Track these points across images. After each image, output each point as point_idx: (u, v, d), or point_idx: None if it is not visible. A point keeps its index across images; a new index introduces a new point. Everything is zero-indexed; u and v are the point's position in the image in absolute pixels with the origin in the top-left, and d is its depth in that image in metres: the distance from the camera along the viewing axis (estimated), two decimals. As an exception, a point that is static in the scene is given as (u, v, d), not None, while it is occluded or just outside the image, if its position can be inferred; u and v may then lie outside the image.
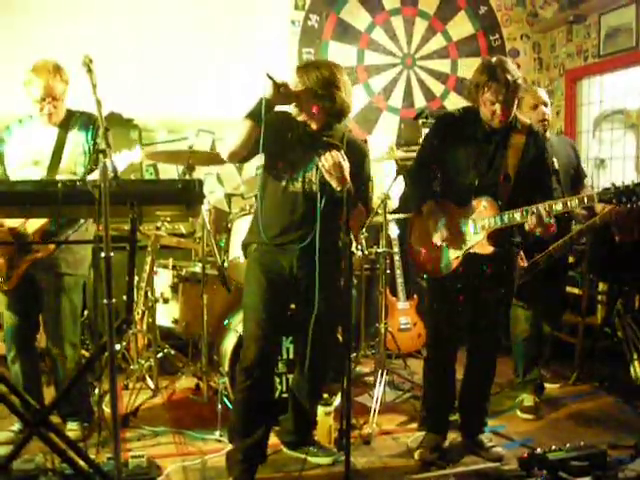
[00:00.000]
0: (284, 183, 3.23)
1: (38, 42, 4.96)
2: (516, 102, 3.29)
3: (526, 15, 6.53)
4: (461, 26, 6.36)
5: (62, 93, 3.53)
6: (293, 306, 3.51)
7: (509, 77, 3.17)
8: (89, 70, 2.60)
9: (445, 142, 3.45)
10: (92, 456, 2.94)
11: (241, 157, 3.23)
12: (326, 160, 3.03)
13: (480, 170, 3.36)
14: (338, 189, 3.03)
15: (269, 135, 3.13)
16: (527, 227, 3.19)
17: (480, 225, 3.35)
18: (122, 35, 5.37)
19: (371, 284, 5.40)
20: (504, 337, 3.97)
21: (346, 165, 3.03)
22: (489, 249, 3.35)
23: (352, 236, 3.00)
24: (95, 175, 3.36)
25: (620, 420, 4.07)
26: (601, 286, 5.12)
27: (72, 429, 3.71)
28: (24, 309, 3.66)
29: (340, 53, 6.04)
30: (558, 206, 3.15)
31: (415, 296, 5.32)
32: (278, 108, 3.21)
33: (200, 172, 4.74)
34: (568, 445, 3.22)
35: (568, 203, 3.16)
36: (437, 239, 3.41)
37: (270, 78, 3.04)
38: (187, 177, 4.36)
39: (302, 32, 5.97)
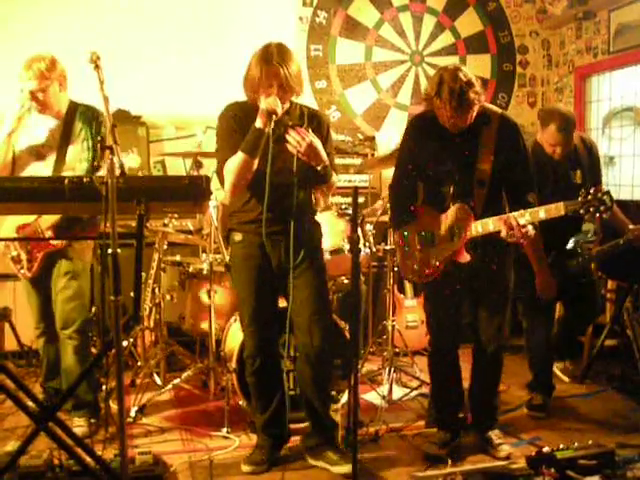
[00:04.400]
0: (259, 174, 3.17)
1: (44, 40, 4.93)
2: (471, 112, 3.19)
3: (535, 11, 6.50)
4: (470, 22, 6.33)
5: (50, 85, 3.54)
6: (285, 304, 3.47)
7: (453, 97, 3.10)
8: (96, 67, 2.60)
9: (417, 147, 3.47)
10: (99, 453, 2.94)
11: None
12: (298, 144, 3.09)
13: (453, 176, 3.35)
14: (319, 167, 3.15)
15: (238, 131, 3.19)
16: (502, 235, 3.18)
17: (456, 233, 3.35)
18: (130, 32, 5.36)
19: (379, 281, 5.39)
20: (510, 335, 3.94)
21: (317, 142, 3.14)
22: (466, 257, 3.35)
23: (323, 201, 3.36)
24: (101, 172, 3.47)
25: (629, 419, 4.04)
26: (610, 284, 5.09)
27: (79, 425, 3.72)
28: (47, 292, 3.80)
29: (348, 50, 6.04)
30: (525, 217, 3.12)
31: (423, 293, 5.30)
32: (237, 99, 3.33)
33: (208, 168, 4.74)
34: (576, 444, 3.21)
35: (537, 214, 3.12)
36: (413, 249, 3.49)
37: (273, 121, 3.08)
38: (194, 173, 4.38)
39: (310, 29, 5.95)
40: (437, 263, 3.43)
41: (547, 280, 3.93)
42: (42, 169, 3.61)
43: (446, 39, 6.29)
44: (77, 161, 3.61)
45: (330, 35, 6.01)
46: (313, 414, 3.51)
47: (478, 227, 3.28)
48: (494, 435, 3.62)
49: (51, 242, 3.65)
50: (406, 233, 3.55)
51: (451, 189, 3.36)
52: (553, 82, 6.50)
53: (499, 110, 3.45)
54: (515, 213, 3.16)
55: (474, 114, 3.23)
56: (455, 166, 3.35)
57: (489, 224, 3.25)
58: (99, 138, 3.57)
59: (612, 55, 5.78)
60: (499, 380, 3.70)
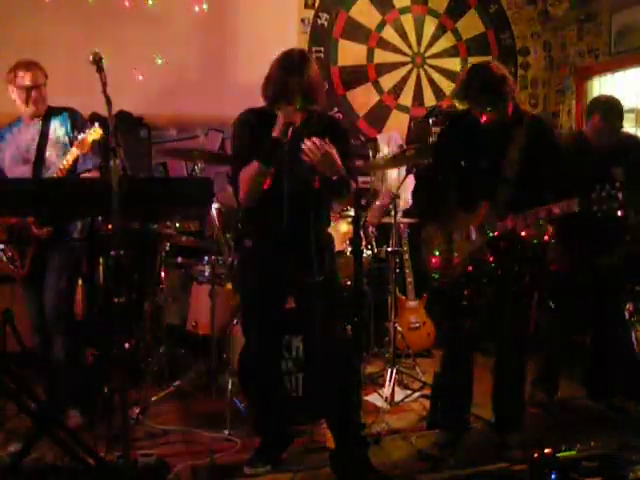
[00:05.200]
0: (272, 182, 3.10)
1: (45, 42, 4.97)
2: (505, 103, 3.22)
3: (537, 13, 6.51)
4: (471, 24, 6.35)
5: (43, 83, 3.73)
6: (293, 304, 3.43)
7: (479, 92, 3.17)
8: (98, 68, 2.60)
9: (449, 145, 3.48)
10: (102, 454, 2.94)
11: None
12: (313, 154, 2.97)
13: (482, 174, 3.35)
14: (334, 178, 3.02)
15: (253, 139, 3.10)
16: (520, 233, 3.19)
17: (481, 232, 3.35)
18: (131, 34, 5.37)
19: (381, 283, 5.38)
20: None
21: (333, 152, 3.00)
22: (488, 257, 3.34)
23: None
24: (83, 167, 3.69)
25: (631, 420, 4.04)
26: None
27: (72, 416, 3.80)
28: (41, 289, 3.81)
29: (350, 52, 6.05)
30: (540, 214, 3.13)
31: (425, 295, 5.31)
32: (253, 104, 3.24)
33: (210, 170, 4.76)
34: (579, 445, 3.20)
35: (552, 210, 3.11)
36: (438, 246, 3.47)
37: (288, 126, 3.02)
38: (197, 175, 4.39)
39: (312, 31, 5.96)
40: (459, 261, 3.43)
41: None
42: (26, 171, 3.73)
43: (448, 41, 6.30)
44: (56, 158, 3.72)
45: (332, 37, 6.02)
46: (337, 433, 3.36)
47: (497, 225, 3.28)
48: (512, 439, 3.57)
49: (34, 231, 3.65)
50: (432, 229, 3.55)
51: (479, 188, 3.35)
52: (554, 84, 6.50)
53: (532, 112, 3.46)
54: (530, 211, 3.16)
55: (509, 109, 3.26)
56: (484, 164, 3.35)
57: (507, 223, 3.25)
58: (75, 134, 3.70)
59: (613, 57, 5.79)
60: (521, 385, 3.62)
